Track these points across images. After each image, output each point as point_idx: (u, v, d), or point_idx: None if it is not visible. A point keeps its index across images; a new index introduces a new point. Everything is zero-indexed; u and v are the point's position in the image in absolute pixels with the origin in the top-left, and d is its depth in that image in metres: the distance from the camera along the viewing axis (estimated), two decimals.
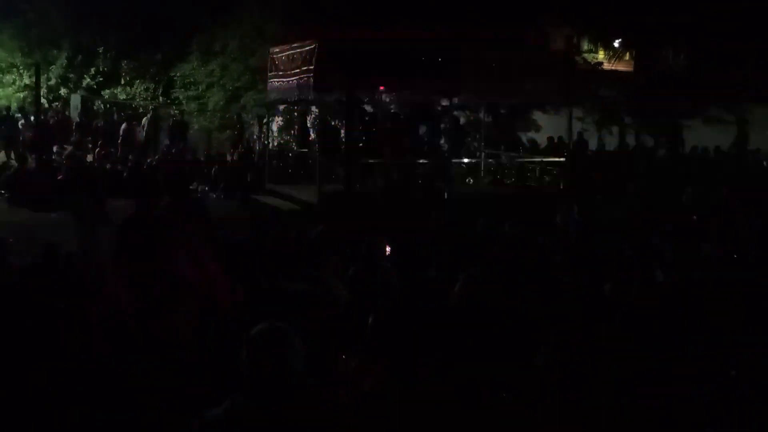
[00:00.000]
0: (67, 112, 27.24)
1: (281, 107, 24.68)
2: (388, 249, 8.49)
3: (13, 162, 22.51)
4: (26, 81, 26.19)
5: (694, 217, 11.63)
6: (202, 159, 24.52)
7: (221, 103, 24.95)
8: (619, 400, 3.94)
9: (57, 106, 27.53)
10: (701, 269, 7.63)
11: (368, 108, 22.72)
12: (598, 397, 3.91)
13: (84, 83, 27.59)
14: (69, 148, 23.54)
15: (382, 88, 16.52)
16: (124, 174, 21.43)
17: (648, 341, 4.96)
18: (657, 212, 12.56)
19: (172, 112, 27.83)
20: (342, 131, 17.66)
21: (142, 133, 26.65)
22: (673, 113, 25.32)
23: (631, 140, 26.48)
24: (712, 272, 7.50)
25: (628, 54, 28.92)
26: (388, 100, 19.25)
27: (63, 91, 27.48)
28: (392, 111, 18.23)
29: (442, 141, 17.91)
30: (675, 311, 6.05)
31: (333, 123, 24.18)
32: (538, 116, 26.20)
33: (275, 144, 23.35)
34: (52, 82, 26.99)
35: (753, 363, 3.93)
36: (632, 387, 4.08)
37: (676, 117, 23.43)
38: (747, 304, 6.27)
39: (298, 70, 16.66)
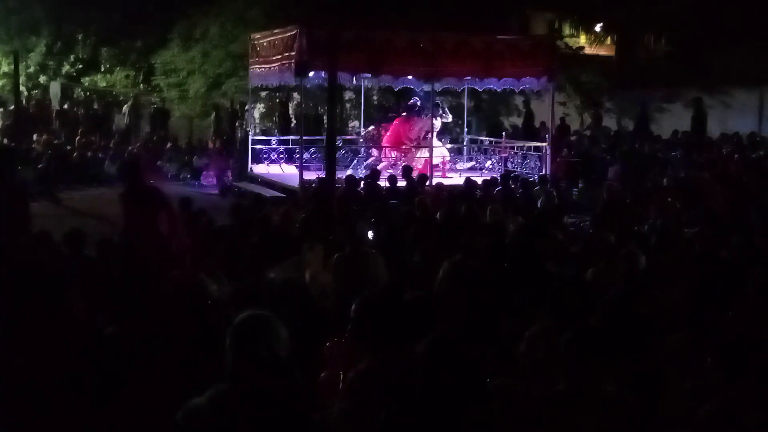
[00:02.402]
0: (46, 100, 27.02)
1: (263, 94, 24.62)
2: (370, 234, 8.49)
3: None
4: (5, 69, 25.94)
5: (669, 199, 11.68)
6: (183, 146, 24.40)
7: (202, 90, 24.81)
8: (603, 387, 3.94)
9: (36, 94, 27.32)
10: (684, 253, 7.66)
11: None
12: (582, 384, 3.91)
13: (63, 71, 27.36)
14: (48, 136, 23.37)
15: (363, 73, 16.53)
16: (106, 162, 21.32)
17: (631, 327, 4.97)
18: (639, 197, 12.60)
19: (152, 100, 27.66)
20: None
21: (122, 121, 26.51)
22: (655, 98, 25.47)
23: (612, 124, 26.54)
24: (694, 256, 7.52)
25: (609, 38, 28.96)
26: (369, 85, 19.23)
27: (42, 78, 27.24)
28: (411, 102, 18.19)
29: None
30: (657, 296, 6.07)
31: (318, 109, 24.15)
32: (519, 101, 26.22)
33: (257, 131, 23.27)
34: (31, 69, 26.74)
35: (731, 349, 3.93)
36: (616, 373, 4.09)
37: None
38: (728, 289, 6.29)
39: (279, 56, 16.60)
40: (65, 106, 27.17)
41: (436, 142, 17.93)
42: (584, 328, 4.25)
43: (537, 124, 23.39)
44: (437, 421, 3.43)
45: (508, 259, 7.52)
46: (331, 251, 7.69)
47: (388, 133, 18.02)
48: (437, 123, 17.83)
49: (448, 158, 18.28)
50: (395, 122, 18.15)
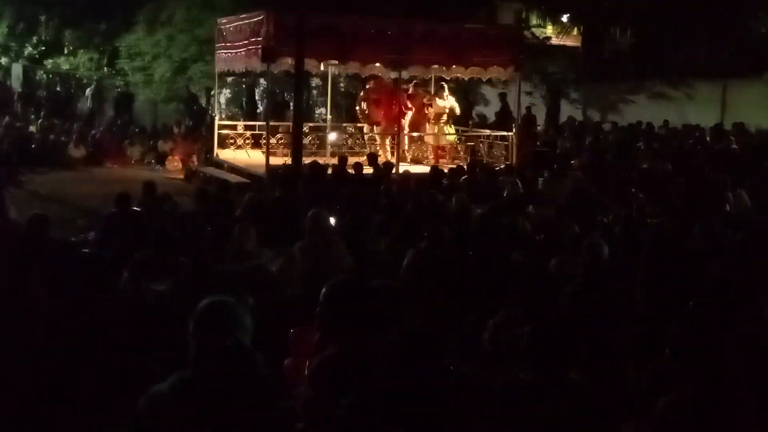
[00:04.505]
0: (8, 82, 26.65)
1: (229, 79, 24.45)
2: (332, 221, 8.48)
3: None
4: None
5: (633, 190, 11.79)
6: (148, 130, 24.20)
7: (167, 74, 24.57)
8: (566, 376, 3.97)
9: None
10: (647, 245, 7.72)
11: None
12: (545, 373, 3.94)
13: (26, 52, 26.98)
14: (9, 118, 23.06)
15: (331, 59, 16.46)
16: (69, 145, 21.09)
17: (593, 318, 5.01)
18: (604, 188, 12.69)
19: (116, 83, 27.38)
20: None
21: (86, 105, 26.23)
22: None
23: (578, 115, 26.74)
24: (657, 248, 7.59)
25: (576, 30, 29.12)
26: (337, 72, 19.16)
27: (4, 60, 26.85)
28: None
29: None
30: (620, 287, 6.13)
31: (285, 95, 24.07)
32: (486, 90, 26.30)
33: (223, 116, 23.10)
34: None
35: (691, 341, 3.97)
36: (578, 363, 4.12)
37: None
38: (689, 281, 6.37)
39: (246, 42, 16.48)
40: (29, 89, 26.81)
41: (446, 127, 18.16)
42: (547, 318, 4.28)
43: (494, 113, 23.53)
44: (400, 409, 3.44)
45: (473, 248, 7.55)
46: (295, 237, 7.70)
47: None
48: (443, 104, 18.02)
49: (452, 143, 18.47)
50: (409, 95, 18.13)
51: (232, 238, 7.64)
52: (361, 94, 18.96)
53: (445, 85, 18.56)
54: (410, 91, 18.08)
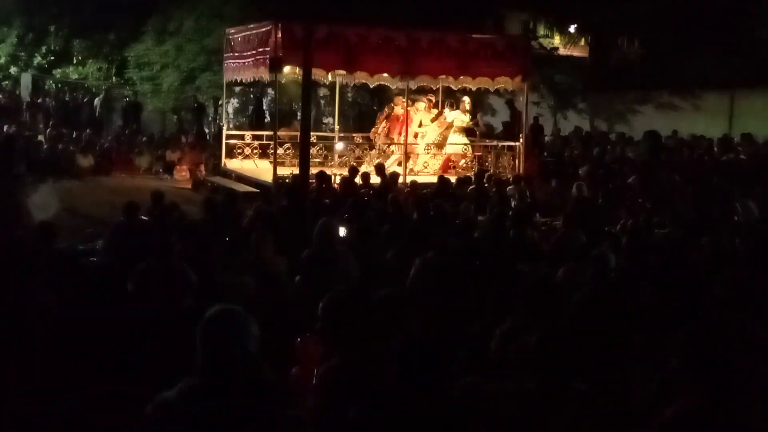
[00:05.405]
0: (17, 91, 26.77)
1: (237, 89, 24.53)
2: (342, 231, 8.48)
3: None
4: None
5: (640, 200, 11.79)
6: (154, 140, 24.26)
7: (176, 84, 24.66)
8: (573, 385, 3.97)
9: (7, 85, 27.05)
10: (655, 255, 7.72)
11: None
12: (552, 382, 3.93)
13: (35, 62, 27.11)
14: (18, 128, 23.15)
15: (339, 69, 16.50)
16: (77, 155, 21.16)
17: (600, 327, 5.00)
18: (610, 197, 12.68)
19: (125, 93, 27.48)
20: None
21: (94, 114, 26.33)
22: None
23: (585, 125, 26.73)
24: (665, 258, 7.58)
25: (583, 40, 29.15)
26: (345, 82, 19.21)
27: (13, 69, 26.98)
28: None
29: None
30: (627, 297, 6.12)
31: (293, 105, 24.14)
32: (493, 100, 26.32)
33: (231, 126, 23.16)
34: (2, 60, 26.48)
35: (698, 351, 3.95)
36: (585, 372, 4.12)
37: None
38: (696, 290, 6.36)
39: (254, 51, 16.55)
40: (37, 99, 26.93)
41: (456, 137, 18.15)
42: (554, 327, 4.28)
43: (501, 123, 23.54)
44: (407, 418, 3.44)
45: (480, 257, 7.54)
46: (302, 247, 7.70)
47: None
48: (451, 114, 18.04)
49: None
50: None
51: (249, 246, 7.61)
52: (384, 113, 19.07)
53: (467, 99, 18.58)
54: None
